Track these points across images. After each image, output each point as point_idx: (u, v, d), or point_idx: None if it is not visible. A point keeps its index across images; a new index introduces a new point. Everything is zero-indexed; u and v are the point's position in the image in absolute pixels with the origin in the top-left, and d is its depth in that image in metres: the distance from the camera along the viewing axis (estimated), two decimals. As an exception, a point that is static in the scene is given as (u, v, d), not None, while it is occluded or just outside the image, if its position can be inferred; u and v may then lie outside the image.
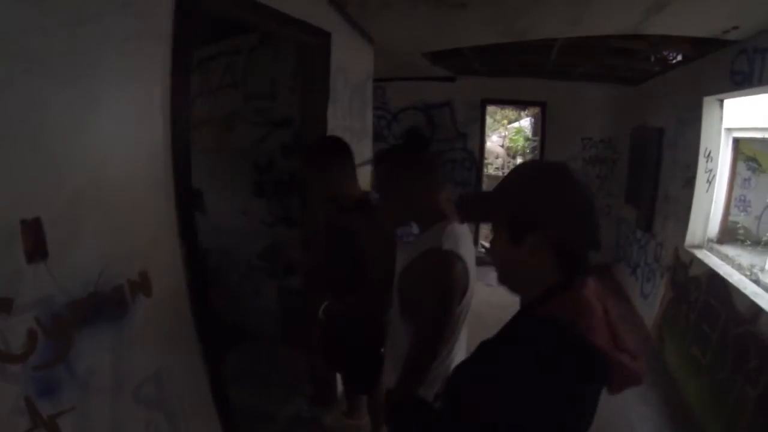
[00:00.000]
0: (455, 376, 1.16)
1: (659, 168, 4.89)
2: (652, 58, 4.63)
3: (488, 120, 8.02)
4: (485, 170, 9.70)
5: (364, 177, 3.94)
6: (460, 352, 1.73)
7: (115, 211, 1.71)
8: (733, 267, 3.54)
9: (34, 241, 1.41)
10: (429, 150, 1.81)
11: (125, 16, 1.66)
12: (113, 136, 1.68)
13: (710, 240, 4.10)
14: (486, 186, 9.55)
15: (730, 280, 3.30)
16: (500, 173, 13.08)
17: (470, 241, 1.69)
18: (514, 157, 14.11)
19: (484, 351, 1.08)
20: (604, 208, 6.54)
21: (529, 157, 12.30)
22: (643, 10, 2.86)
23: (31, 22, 1.35)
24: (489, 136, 13.25)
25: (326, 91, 3.23)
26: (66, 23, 1.45)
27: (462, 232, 1.64)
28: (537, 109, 7.65)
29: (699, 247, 4.05)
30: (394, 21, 3.46)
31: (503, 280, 1.15)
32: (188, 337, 2.17)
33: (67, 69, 1.48)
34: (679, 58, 4.48)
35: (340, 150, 2.47)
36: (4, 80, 1.30)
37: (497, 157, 14.48)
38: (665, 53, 4.45)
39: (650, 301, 4.74)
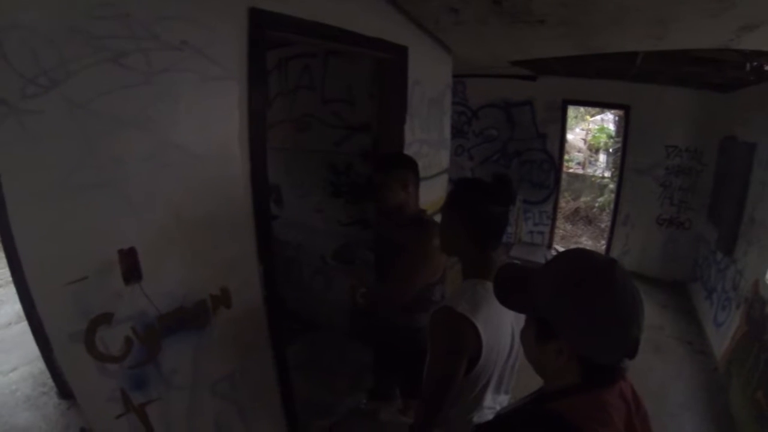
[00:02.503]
0: None
1: (747, 188, 4.46)
2: (747, 67, 4.29)
3: (570, 112, 7.67)
4: (565, 167, 9.40)
5: (441, 186, 4.02)
6: (493, 400, 1.67)
7: (200, 239, 1.95)
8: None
9: (130, 266, 1.67)
10: (509, 202, 1.62)
11: (199, 62, 1.84)
12: (193, 174, 1.90)
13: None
14: (564, 186, 9.30)
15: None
16: (581, 170, 12.68)
17: None
18: (596, 152, 13.57)
19: (495, 424, 1.15)
20: (685, 222, 6.17)
21: (611, 156, 11.74)
22: (735, 30, 2.69)
23: (107, 83, 1.56)
24: (571, 129, 12.83)
25: (404, 104, 3.28)
26: (141, 79, 1.66)
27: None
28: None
29: (781, 283, 3.67)
30: (469, 35, 3.44)
31: (528, 361, 1.15)
32: (262, 342, 2.42)
33: (144, 120, 1.69)
34: (778, 68, 4.14)
35: (406, 168, 2.54)
36: (89, 140, 1.55)
37: (579, 152, 14.00)
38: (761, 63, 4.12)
39: (723, 331, 4.33)
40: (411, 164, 2.55)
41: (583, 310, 0.95)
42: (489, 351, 1.47)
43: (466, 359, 1.47)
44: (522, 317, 1.39)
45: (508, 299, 1.15)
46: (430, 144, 3.72)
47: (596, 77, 6.01)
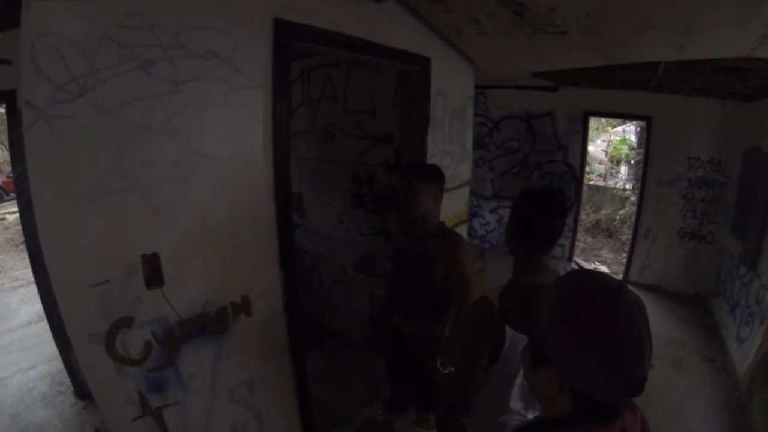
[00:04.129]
0: None
1: (771, 201, 4.29)
2: (772, 75, 4.20)
3: (591, 124, 7.58)
4: (586, 179, 9.30)
5: (462, 198, 4.02)
6: (524, 408, 1.69)
7: (222, 247, 1.97)
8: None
9: (153, 271, 1.70)
10: (563, 214, 1.73)
11: (225, 71, 1.86)
12: (218, 182, 1.91)
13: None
14: (585, 198, 9.20)
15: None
16: (602, 182, 12.58)
17: None
18: (617, 164, 13.45)
19: None
20: (707, 235, 6.02)
21: (633, 168, 11.62)
22: (758, 38, 2.65)
23: (135, 91, 1.59)
24: (592, 140, 12.74)
25: (426, 116, 3.28)
26: (169, 87, 1.68)
27: None
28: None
29: (806, 298, 3.56)
30: (492, 47, 3.42)
31: (527, 381, 1.10)
32: (281, 349, 2.43)
33: (170, 128, 1.72)
34: (804, 75, 4.04)
35: (437, 179, 2.55)
36: (117, 146, 1.58)
37: (600, 163, 13.90)
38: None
39: (746, 347, 4.15)
40: (441, 177, 2.56)
41: (578, 343, 0.87)
42: (514, 345, 1.51)
43: (488, 345, 1.55)
44: None
45: (509, 317, 1.13)
46: (452, 156, 3.71)
47: (618, 88, 5.92)
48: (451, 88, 3.55)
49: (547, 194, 1.74)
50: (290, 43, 2.11)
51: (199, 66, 1.75)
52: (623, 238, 9.21)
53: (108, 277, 1.60)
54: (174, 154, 1.73)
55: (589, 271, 1.06)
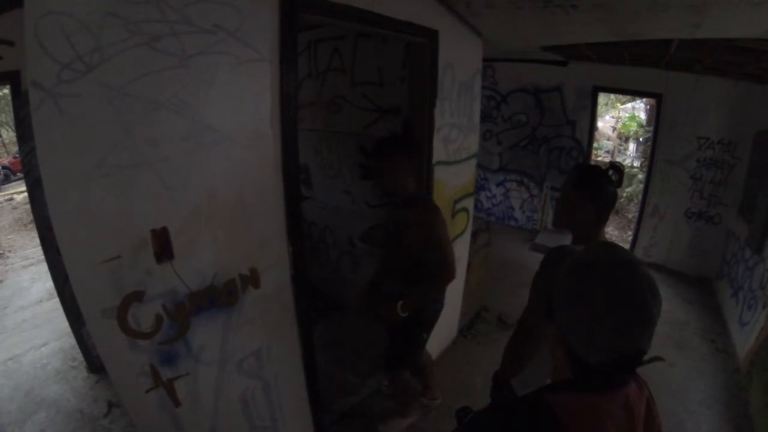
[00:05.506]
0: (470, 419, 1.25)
1: (780, 185, 4.25)
2: (787, 57, 4.12)
3: (600, 99, 7.49)
4: (594, 155, 9.24)
5: (469, 171, 4.03)
6: None
7: (230, 220, 1.98)
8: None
9: (162, 246, 1.72)
10: (616, 186, 1.92)
11: (232, 45, 1.84)
12: (226, 156, 1.90)
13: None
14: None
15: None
16: (609, 158, 12.49)
17: None
18: (626, 141, 13.35)
19: (499, 405, 1.16)
20: (714, 217, 6.01)
21: (641, 146, 11.53)
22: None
23: (141, 67, 1.57)
24: (601, 116, 12.62)
25: (434, 89, 3.25)
26: (175, 62, 1.67)
27: None
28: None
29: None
30: (501, 19, 3.37)
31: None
32: (289, 321, 2.46)
33: (178, 102, 1.70)
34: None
35: (402, 150, 2.67)
36: (125, 123, 1.56)
37: (608, 140, 13.79)
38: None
39: (747, 331, 4.19)
40: (403, 146, 2.69)
41: (572, 301, 0.93)
42: None
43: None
44: None
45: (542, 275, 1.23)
46: (459, 128, 3.69)
47: (629, 64, 5.86)
48: (460, 60, 3.51)
49: (609, 167, 1.94)
50: (297, 15, 2.09)
51: (205, 40, 1.73)
52: (629, 216, 9.19)
53: (118, 253, 1.61)
54: (181, 129, 1.72)
55: (615, 245, 1.08)
